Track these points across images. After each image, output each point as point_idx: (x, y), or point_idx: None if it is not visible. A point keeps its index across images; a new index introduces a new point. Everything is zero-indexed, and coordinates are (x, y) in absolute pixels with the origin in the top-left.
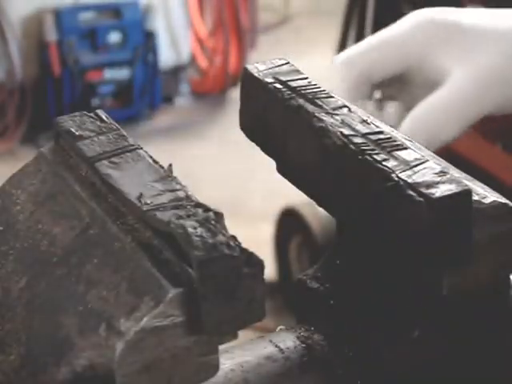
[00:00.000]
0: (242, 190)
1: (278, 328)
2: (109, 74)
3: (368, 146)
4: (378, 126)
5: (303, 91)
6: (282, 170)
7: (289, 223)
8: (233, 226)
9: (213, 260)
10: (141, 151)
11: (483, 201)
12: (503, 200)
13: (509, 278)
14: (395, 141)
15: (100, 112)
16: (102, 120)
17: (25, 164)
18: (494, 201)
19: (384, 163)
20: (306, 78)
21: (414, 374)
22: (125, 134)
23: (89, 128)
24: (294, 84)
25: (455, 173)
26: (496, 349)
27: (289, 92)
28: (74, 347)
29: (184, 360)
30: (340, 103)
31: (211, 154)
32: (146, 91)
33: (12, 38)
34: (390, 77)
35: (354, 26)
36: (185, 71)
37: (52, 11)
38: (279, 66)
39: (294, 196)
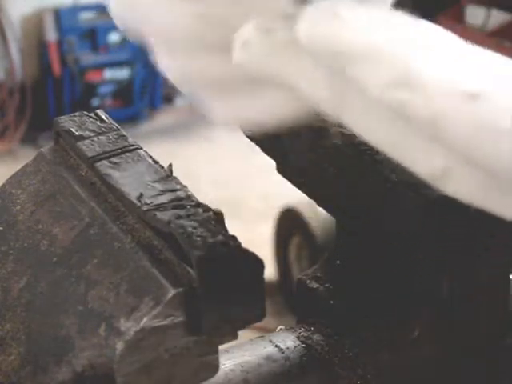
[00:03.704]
0: (242, 190)
1: (278, 328)
2: (109, 73)
3: (368, 146)
4: None
5: None
6: (282, 170)
7: (288, 223)
8: (233, 226)
9: (213, 260)
10: (141, 151)
11: None
12: None
13: (509, 279)
14: None
15: (100, 112)
16: (102, 120)
17: (25, 164)
18: None
19: (384, 163)
20: None
21: (413, 374)
22: (125, 134)
23: (89, 128)
24: None
25: None
26: (495, 350)
27: None
28: (74, 347)
29: (184, 360)
30: None
31: (211, 154)
32: (146, 91)
33: (12, 37)
34: None
35: None
36: None
37: (52, 11)
38: None
39: (293, 196)
